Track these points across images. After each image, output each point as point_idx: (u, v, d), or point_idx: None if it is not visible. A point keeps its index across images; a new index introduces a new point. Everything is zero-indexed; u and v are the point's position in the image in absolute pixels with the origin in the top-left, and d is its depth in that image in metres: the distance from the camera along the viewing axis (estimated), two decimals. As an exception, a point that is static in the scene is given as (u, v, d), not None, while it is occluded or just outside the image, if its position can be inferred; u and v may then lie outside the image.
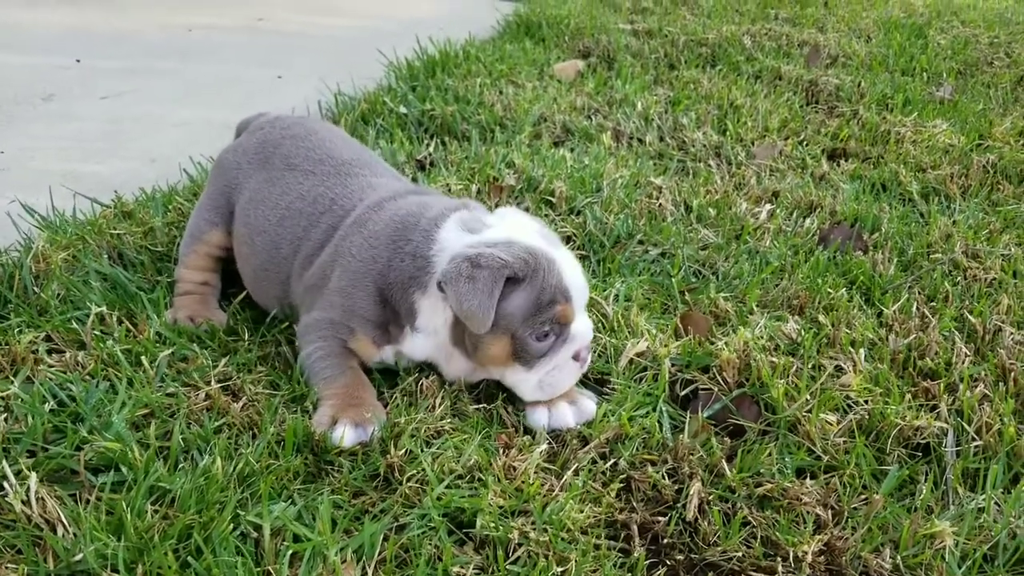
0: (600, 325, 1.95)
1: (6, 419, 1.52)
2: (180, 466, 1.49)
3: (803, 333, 1.93)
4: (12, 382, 1.61)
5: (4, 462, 1.39)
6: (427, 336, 1.68)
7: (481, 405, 1.71)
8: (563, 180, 2.65)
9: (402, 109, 3.27)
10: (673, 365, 1.83)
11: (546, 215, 2.48)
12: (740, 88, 3.74)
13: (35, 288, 1.91)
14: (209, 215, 2.02)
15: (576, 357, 1.65)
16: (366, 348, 1.72)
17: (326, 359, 1.70)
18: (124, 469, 1.45)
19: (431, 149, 2.95)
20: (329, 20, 5.36)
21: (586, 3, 5.38)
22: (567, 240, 2.37)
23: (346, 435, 1.54)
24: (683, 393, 1.80)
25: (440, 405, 1.67)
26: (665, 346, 1.86)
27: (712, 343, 1.90)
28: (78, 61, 4.19)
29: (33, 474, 1.38)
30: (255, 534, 1.36)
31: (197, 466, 1.47)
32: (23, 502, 1.35)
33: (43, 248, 2.02)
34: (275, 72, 4.09)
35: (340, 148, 2.00)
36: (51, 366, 1.70)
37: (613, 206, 2.53)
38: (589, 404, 1.68)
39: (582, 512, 1.46)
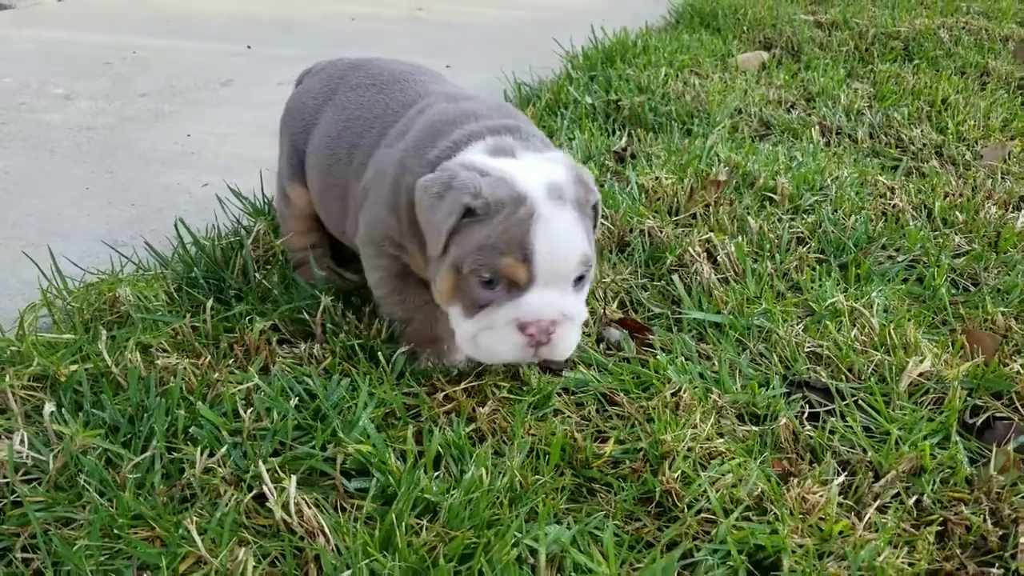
0: (866, 338, 1.73)
1: (249, 414, 1.41)
2: (436, 475, 1.35)
3: (1111, 358, 1.67)
4: (250, 373, 1.50)
5: (260, 463, 1.28)
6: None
7: (748, 427, 1.52)
8: (783, 176, 2.43)
9: (588, 99, 3.10)
10: (962, 388, 1.60)
11: (771, 214, 2.27)
12: (951, 84, 3.42)
13: (256, 274, 1.81)
14: (289, 171, 1.88)
15: (522, 330, 1.41)
16: (420, 263, 1.56)
17: (394, 294, 1.61)
18: (378, 475, 1.32)
19: (625, 141, 2.77)
20: (490, 11, 5.25)
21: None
22: (799, 242, 2.15)
23: (431, 362, 1.57)
24: (973, 421, 1.56)
25: (707, 421, 1.48)
26: (952, 367, 1.62)
27: (1005, 365, 1.65)
28: (249, 47, 4.19)
29: (292, 477, 1.26)
30: (531, 559, 1.21)
31: (454, 476, 1.33)
32: (283, 507, 1.23)
33: (262, 232, 1.93)
34: (442, 62, 3.98)
35: (399, 65, 1.85)
36: (284, 358, 1.59)
37: (844, 206, 2.30)
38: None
39: (898, 558, 1.25)
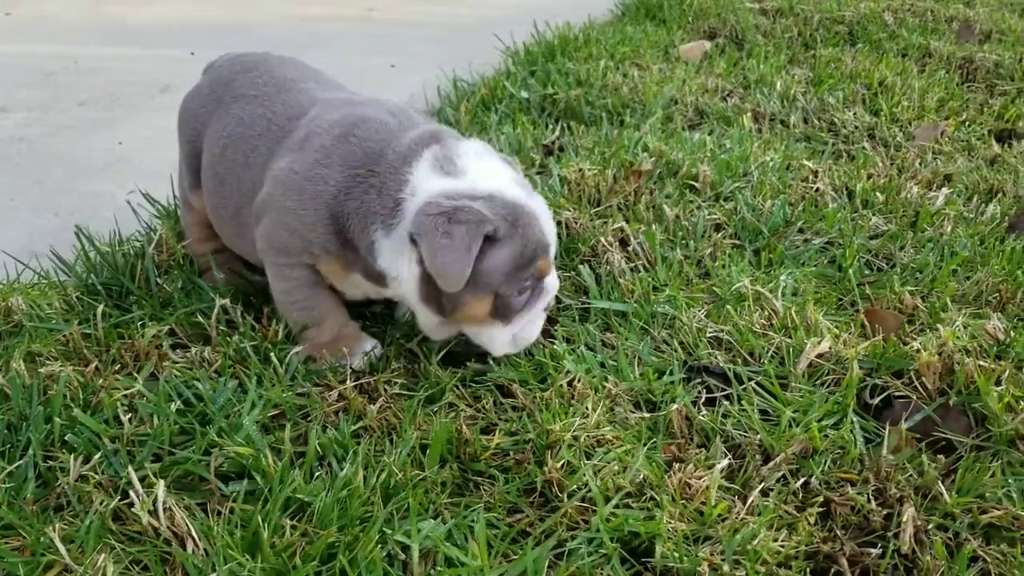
0: (770, 322, 1.72)
1: (131, 419, 1.40)
2: (316, 475, 1.33)
3: (1011, 332, 1.66)
4: (136, 379, 1.49)
5: (130, 468, 1.27)
6: (391, 279, 1.53)
7: (641, 413, 1.51)
8: (706, 164, 2.42)
9: (523, 93, 3.09)
10: (861, 368, 1.59)
11: (690, 201, 2.26)
12: (889, 66, 3.42)
13: (157, 279, 1.80)
14: (189, 178, 1.84)
15: (545, 309, 1.59)
16: (334, 269, 1.57)
17: (306, 302, 1.59)
18: (257, 477, 1.31)
19: (557, 134, 2.76)
20: (441, 8, 5.23)
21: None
22: (716, 228, 2.15)
23: (328, 361, 1.57)
24: (874, 401, 1.56)
25: (597, 409, 1.47)
26: (851, 347, 1.62)
27: (905, 343, 1.65)
28: (192, 54, 4.17)
29: (161, 481, 1.25)
30: (403, 556, 1.20)
31: (335, 475, 1.32)
32: (150, 512, 1.22)
33: (166, 237, 1.92)
34: (388, 61, 3.97)
35: (287, 71, 1.79)
36: (176, 362, 1.58)
37: (765, 191, 2.29)
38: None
39: (777, 540, 1.24)
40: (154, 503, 1.22)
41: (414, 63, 3.88)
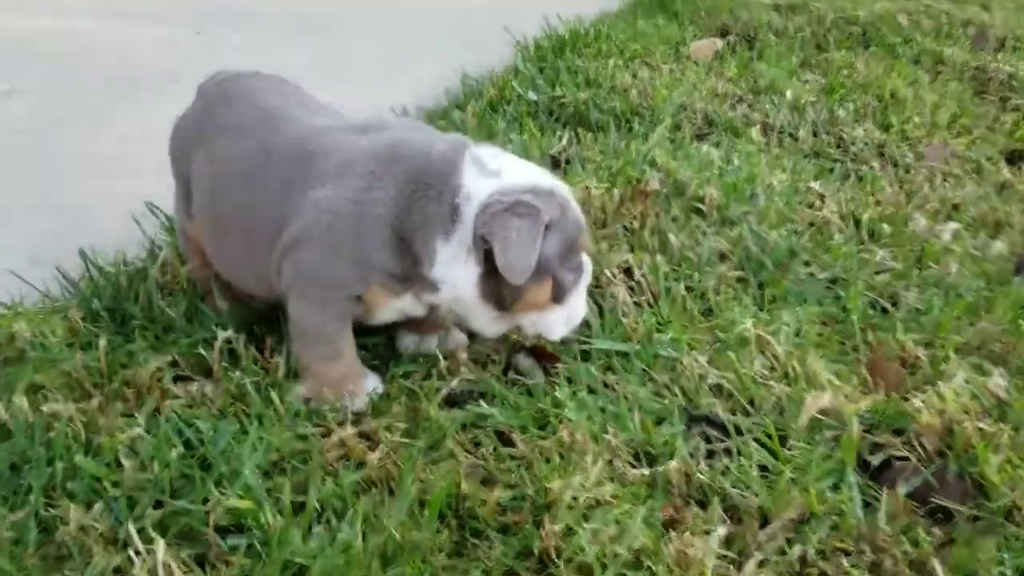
0: (771, 368, 1.72)
1: (132, 465, 1.40)
2: (315, 530, 1.34)
3: (1011, 392, 1.66)
4: (137, 418, 1.49)
5: (130, 523, 1.27)
6: (444, 286, 1.57)
7: (641, 469, 1.51)
8: (713, 185, 2.41)
9: (532, 96, 3.07)
10: (861, 423, 1.59)
11: (696, 227, 2.25)
12: (901, 75, 3.39)
13: (160, 302, 1.79)
14: (182, 206, 1.83)
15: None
16: (381, 298, 1.60)
17: (331, 336, 1.60)
18: (256, 531, 1.31)
19: (564, 142, 2.74)
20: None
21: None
22: (721, 258, 2.14)
23: (329, 402, 1.59)
24: (873, 459, 1.56)
25: (596, 464, 1.48)
26: (853, 401, 1.62)
27: (906, 399, 1.65)
28: (199, 34, 4.12)
29: (161, 540, 1.25)
30: (399, 623, 1.21)
31: (335, 533, 1.32)
32: (149, 572, 1.23)
33: (170, 258, 1.91)
34: (400, 51, 3.92)
35: (271, 98, 1.76)
36: (177, 397, 1.58)
37: (771, 217, 2.28)
38: (460, 335, 1.77)
39: (770, 615, 1.25)
40: (154, 561, 1.23)
41: (426, 54, 3.83)
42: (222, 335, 1.66)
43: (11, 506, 1.35)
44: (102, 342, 1.62)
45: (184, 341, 1.69)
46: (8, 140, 2.84)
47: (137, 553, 1.24)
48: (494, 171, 1.55)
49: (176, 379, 1.64)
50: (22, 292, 1.87)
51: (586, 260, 1.64)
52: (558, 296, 1.58)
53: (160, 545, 1.24)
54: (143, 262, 1.92)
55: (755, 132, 2.86)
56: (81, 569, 1.26)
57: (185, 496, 1.37)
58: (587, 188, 2.36)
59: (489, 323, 1.63)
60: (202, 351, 1.66)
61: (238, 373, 1.60)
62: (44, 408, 1.50)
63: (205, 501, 1.36)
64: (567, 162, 2.63)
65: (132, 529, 1.27)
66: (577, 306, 1.65)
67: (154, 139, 2.80)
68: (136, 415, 1.50)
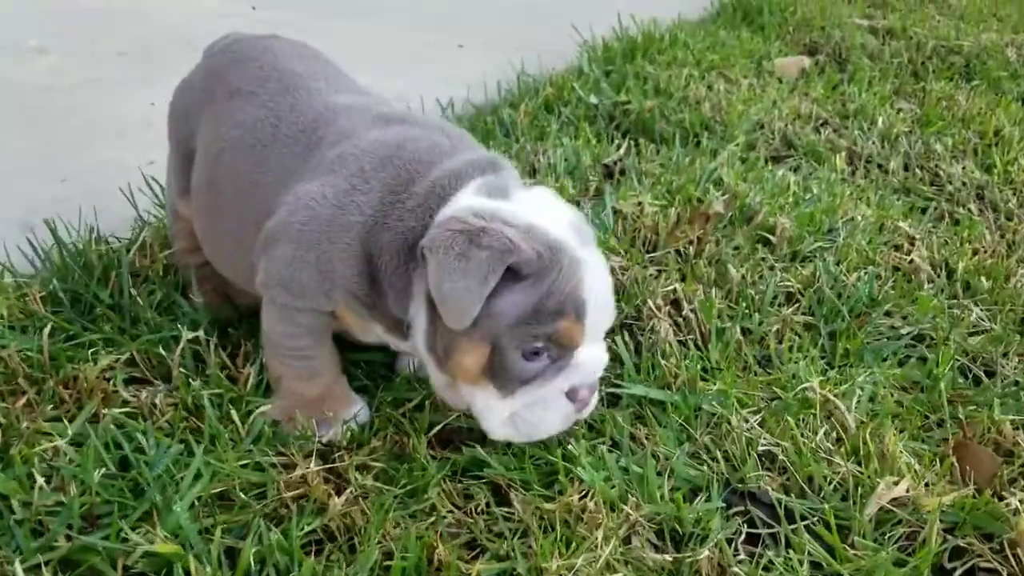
0: (838, 441, 1.42)
1: (51, 482, 1.16)
2: (251, 590, 1.09)
3: None
4: (67, 428, 1.25)
5: (17, 564, 1.03)
6: (413, 328, 1.26)
7: (664, 554, 1.23)
8: (786, 214, 2.10)
9: (592, 99, 2.79)
10: (942, 521, 1.28)
11: (762, 260, 1.95)
12: (1007, 112, 3.03)
13: (131, 290, 1.56)
14: (176, 181, 1.59)
15: (572, 397, 1.24)
16: (351, 319, 1.32)
17: (303, 352, 1.33)
18: (176, 585, 1.06)
19: (622, 152, 2.46)
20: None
21: (813, -11, 4.69)
22: (788, 298, 1.83)
23: (300, 428, 1.32)
24: (953, 567, 1.25)
25: (609, 542, 1.20)
26: (934, 494, 1.31)
27: (1001, 497, 1.33)
28: (254, 8, 3.94)
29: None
30: None
31: (270, 597, 1.07)
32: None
33: (151, 241, 1.68)
34: (455, 39, 3.68)
35: (293, 63, 1.50)
36: (126, 404, 1.34)
37: (851, 257, 1.97)
38: None
39: None
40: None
41: (482, 42, 3.59)
42: (188, 335, 1.41)
43: None
44: (46, 330, 1.39)
45: (146, 337, 1.45)
46: (28, 99, 2.67)
47: (18, 602, 1.00)
48: (501, 195, 1.24)
49: (129, 382, 1.40)
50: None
51: (582, 359, 1.23)
52: (497, 376, 1.19)
53: (47, 595, 1.00)
54: (124, 242, 1.70)
55: (839, 159, 2.54)
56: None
57: (102, 529, 1.13)
58: (640, 204, 2.07)
59: (443, 386, 1.30)
60: (162, 351, 1.42)
61: (197, 382, 1.36)
62: (-38, 403, 1.27)
63: (124, 541, 1.11)
64: (622, 173, 2.35)
65: (19, 569, 1.02)
66: (537, 413, 1.23)
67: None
68: (65, 422, 1.27)
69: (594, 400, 1.30)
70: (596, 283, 1.22)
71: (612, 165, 2.39)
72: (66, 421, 1.26)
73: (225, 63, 1.54)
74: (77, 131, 2.47)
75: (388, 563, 1.13)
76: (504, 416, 1.22)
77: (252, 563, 1.09)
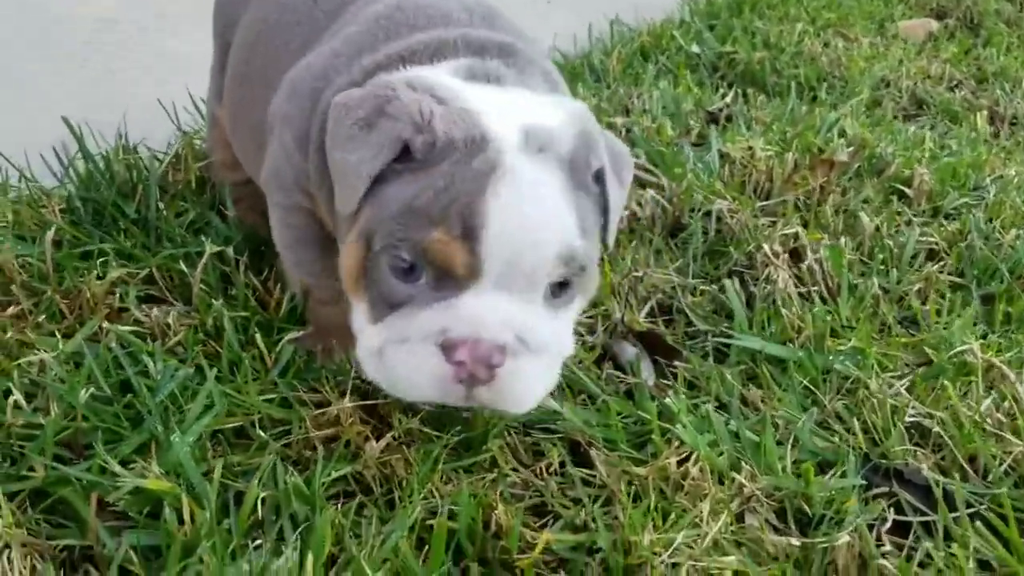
0: (1008, 415, 1.12)
1: (32, 401, 0.96)
2: (257, 542, 0.85)
3: None
4: (60, 344, 1.04)
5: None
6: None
7: (788, 537, 0.95)
8: (924, 165, 1.79)
9: (694, 48, 2.51)
10: None
11: (898, 213, 1.65)
12: None
13: (159, 203, 1.35)
14: (216, 83, 1.39)
15: (448, 353, 0.86)
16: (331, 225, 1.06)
17: (308, 264, 1.11)
18: (163, 533, 0.84)
19: (728, 100, 2.18)
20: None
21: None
22: (930, 256, 1.53)
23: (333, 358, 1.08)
24: None
25: (719, 519, 0.93)
26: None
27: None
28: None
29: (18, 533, 0.79)
30: None
31: (269, 555, 0.83)
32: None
33: (185, 152, 1.47)
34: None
35: None
36: (138, 322, 1.13)
37: (1005, 214, 1.65)
38: None
39: None
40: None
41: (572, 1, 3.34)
42: (212, 248, 1.19)
43: None
44: (49, 233, 1.18)
45: (167, 251, 1.24)
46: (92, 35, 2.52)
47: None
48: (485, 79, 0.98)
49: (145, 300, 1.19)
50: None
51: (471, 313, 0.86)
52: (369, 290, 0.92)
53: (15, 538, 0.78)
54: (160, 155, 1.49)
55: (980, 118, 2.21)
56: None
57: (89, 461, 0.91)
58: (750, 148, 1.79)
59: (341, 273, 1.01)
60: (183, 267, 1.20)
61: (220, 302, 1.13)
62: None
63: (103, 471, 0.89)
64: (728, 119, 2.06)
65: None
66: (405, 360, 0.89)
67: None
68: (59, 336, 1.05)
69: (517, 385, 0.88)
70: (518, 204, 0.87)
71: (717, 112, 2.11)
72: (60, 336, 1.05)
73: None
74: (138, 66, 2.30)
75: (431, 522, 0.88)
76: (373, 347, 0.92)
77: (261, 509, 0.86)
